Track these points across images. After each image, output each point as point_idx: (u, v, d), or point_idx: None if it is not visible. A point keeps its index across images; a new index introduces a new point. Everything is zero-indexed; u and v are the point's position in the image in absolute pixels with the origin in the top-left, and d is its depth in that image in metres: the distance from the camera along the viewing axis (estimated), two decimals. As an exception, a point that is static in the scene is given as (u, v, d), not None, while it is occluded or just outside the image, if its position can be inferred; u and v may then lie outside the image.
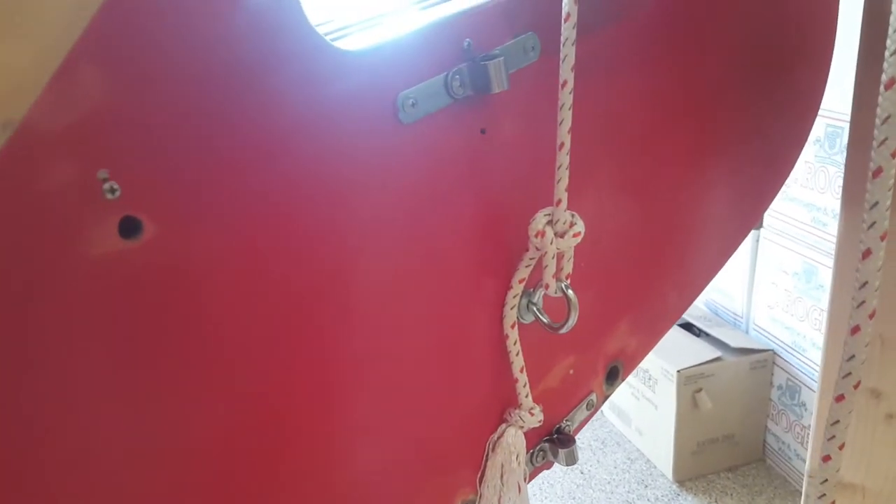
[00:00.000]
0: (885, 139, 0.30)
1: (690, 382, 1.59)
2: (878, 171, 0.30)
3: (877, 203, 0.30)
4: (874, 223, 0.31)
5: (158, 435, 0.31)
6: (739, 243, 0.65)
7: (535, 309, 0.45)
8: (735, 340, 1.65)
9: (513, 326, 0.44)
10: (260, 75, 0.30)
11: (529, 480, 0.49)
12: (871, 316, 0.33)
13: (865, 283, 0.33)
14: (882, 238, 0.31)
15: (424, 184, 0.37)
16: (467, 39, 0.37)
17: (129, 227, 0.28)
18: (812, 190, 1.44)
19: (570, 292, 0.43)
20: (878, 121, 0.30)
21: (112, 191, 0.27)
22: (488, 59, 0.37)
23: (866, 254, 0.32)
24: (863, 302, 0.33)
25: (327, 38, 0.33)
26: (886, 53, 0.31)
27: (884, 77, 0.31)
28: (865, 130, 0.53)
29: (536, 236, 0.41)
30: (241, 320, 0.32)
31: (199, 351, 0.31)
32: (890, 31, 0.31)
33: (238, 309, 0.32)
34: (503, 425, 0.47)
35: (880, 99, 0.30)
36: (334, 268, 0.35)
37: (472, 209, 0.40)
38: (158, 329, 0.30)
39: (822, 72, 0.61)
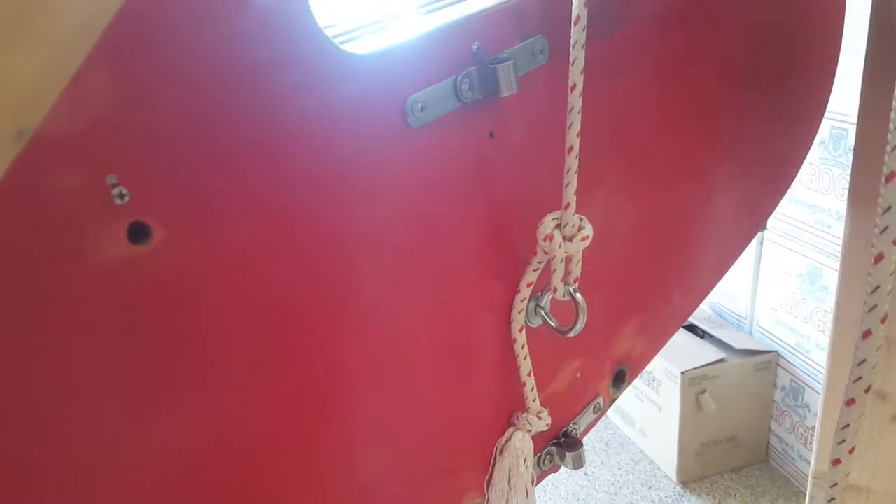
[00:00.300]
0: (898, 143, 0.30)
1: (694, 384, 1.58)
2: (891, 176, 0.30)
3: (890, 207, 0.30)
4: (887, 227, 0.30)
5: (168, 440, 0.31)
6: (745, 246, 0.65)
7: (542, 313, 0.45)
8: (739, 342, 1.64)
9: (521, 330, 0.44)
10: (269, 80, 0.30)
11: (536, 484, 0.49)
12: (884, 320, 0.33)
13: (878, 287, 0.32)
14: (895, 243, 0.31)
15: (433, 188, 0.37)
16: (476, 43, 0.37)
17: (138, 233, 0.28)
18: (816, 192, 1.43)
19: (579, 296, 0.43)
20: (891, 125, 0.30)
21: (121, 196, 0.27)
22: (497, 62, 0.37)
23: (879, 258, 0.32)
24: (875, 306, 0.33)
25: (335, 41, 0.33)
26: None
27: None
28: (872, 134, 0.53)
29: (545, 240, 0.41)
30: (250, 325, 0.32)
31: (209, 355, 0.31)
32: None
33: (247, 313, 0.32)
34: (511, 429, 0.46)
35: (894, 104, 0.30)
36: (342, 271, 0.35)
37: (480, 213, 0.40)
38: (168, 334, 0.30)
39: (828, 75, 0.60)
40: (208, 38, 0.28)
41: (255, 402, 0.34)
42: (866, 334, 0.33)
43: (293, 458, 0.37)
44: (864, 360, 0.34)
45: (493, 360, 0.45)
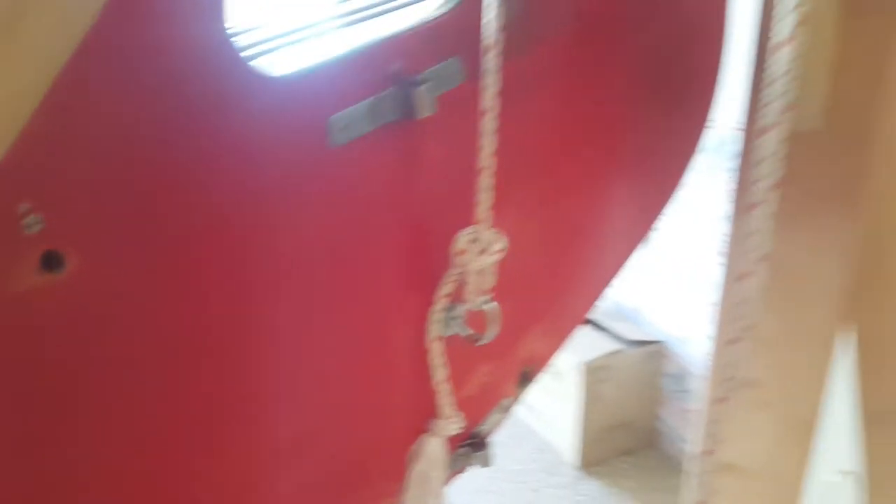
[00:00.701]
0: (760, 179, 0.34)
1: (593, 374, 1.68)
2: (754, 206, 0.34)
3: (754, 232, 0.34)
4: (753, 250, 0.35)
5: (82, 459, 0.31)
6: (637, 247, 0.70)
7: (457, 322, 0.47)
8: (632, 333, 1.76)
9: (436, 340, 0.46)
10: (189, 109, 0.29)
11: (446, 484, 0.51)
12: (750, 329, 0.38)
13: (744, 301, 0.37)
14: (760, 261, 0.35)
15: (353, 205, 0.38)
16: (395, 64, 0.38)
17: (52, 261, 0.27)
18: (703, 192, 1.56)
19: (491, 306, 0.45)
20: (753, 163, 0.34)
21: (33, 224, 0.26)
22: (415, 84, 0.38)
23: (746, 275, 0.36)
24: (742, 318, 0.37)
25: (252, 51, 0.33)
26: (760, 104, 0.35)
27: (759, 124, 0.35)
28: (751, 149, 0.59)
29: (459, 255, 0.42)
30: (164, 346, 0.32)
31: (123, 376, 0.31)
32: (766, 84, 0.34)
33: (164, 334, 0.31)
34: (425, 434, 0.48)
35: (756, 143, 0.34)
36: (262, 289, 0.35)
37: (398, 228, 0.41)
38: (81, 358, 0.29)
39: (711, 93, 0.67)
40: (128, 72, 0.27)
41: (167, 420, 0.34)
42: (734, 341, 0.37)
43: (209, 477, 0.37)
44: (733, 362, 0.39)
45: (409, 370, 0.46)
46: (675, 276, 1.68)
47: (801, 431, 0.57)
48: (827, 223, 0.53)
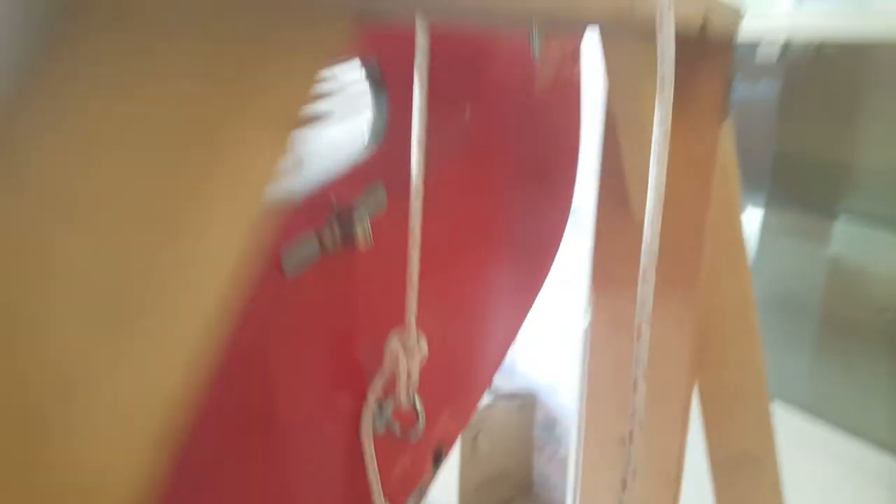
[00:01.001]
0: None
1: (470, 429, 1.75)
2: (639, 332, 0.42)
3: (637, 359, 0.43)
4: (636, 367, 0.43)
5: None
6: (526, 318, 0.80)
7: (387, 418, 0.51)
8: (504, 384, 1.87)
9: (368, 437, 0.49)
10: None
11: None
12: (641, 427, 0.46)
13: (633, 408, 0.45)
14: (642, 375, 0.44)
15: (303, 327, 0.42)
16: (333, 198, 0.43)
17: None
18: (567, 252, 1.72)
19: (418, 402, 0.50)
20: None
21: None
22: (352, 214, 0.43)
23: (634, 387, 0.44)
24: (633, 419, 0.45)
25: None
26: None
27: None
28: (608, 221, 0.71)
29: (392, 359, 0.47)
30: None
31: None
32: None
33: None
34: (358, 529, 0.51)
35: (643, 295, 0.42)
36: (226, 412, 0.37)
37: (339, 342, 0.45)
38: None
39: (571, 189, 0.79)
40: None
41: None
42: (625, 439, 0.45)
43: None
44: (626, 458, 0.47)
45: (341, 468, 0.49)
46: (543, 328, 1.83)
47: (668, 482, 0.67)
48: (675, 304, 0.66)
